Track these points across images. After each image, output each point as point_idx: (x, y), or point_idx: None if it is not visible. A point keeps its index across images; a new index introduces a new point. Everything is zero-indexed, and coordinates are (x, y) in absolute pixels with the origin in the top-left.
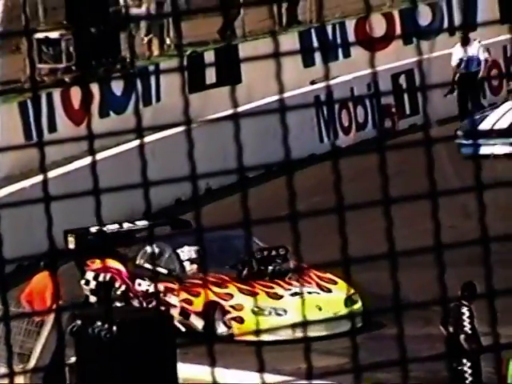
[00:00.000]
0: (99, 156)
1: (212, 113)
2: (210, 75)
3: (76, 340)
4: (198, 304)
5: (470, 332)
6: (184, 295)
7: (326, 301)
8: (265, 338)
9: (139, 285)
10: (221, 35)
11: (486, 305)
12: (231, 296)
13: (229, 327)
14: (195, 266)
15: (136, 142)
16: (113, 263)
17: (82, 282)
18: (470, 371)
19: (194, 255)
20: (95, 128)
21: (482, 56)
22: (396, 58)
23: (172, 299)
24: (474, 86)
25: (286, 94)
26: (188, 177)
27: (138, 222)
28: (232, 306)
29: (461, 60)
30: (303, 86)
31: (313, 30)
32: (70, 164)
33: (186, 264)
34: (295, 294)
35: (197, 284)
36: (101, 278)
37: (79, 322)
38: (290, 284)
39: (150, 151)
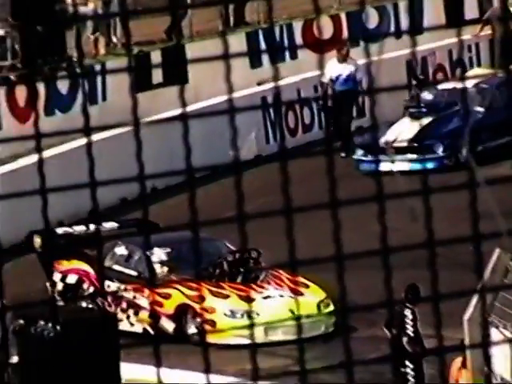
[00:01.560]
0: (45, 154)
1: (157, 113)
2: (157, 75)
3: (18, 339)
4: (169, 306)
5: (412, 335)
6: (154, 297)
7: (298, 305)
8: (237, 341)
9: (108, 286)
10: (168, 35)
11: (430, 307)
12: (203, 298)
13: (200, 330)
14: (166, 269)
15: (82, 141)
16: (80, 265)
17: (48, 283)
18: (412, 373)
19: (164, 257)
20: (40, 126)
21: (359, 75)
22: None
23: (142, 301)
24: (350, 104)
25: (233, 95)
26: (136, 177)
27: (105, 224)
28: (204, 309)
29: (337, 77)
30: (250, 86)
31: (260, 32)
32: (15, 162)
33: (157, 266)
34: (267, 297)
35: (167, 286)
36: (68, 280)
37: (22, 321)
38: (262, 287)
39: (96, 151)
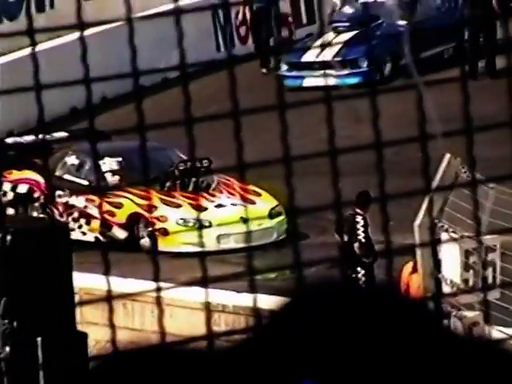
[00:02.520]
0: None
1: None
2: None
3: None
4: (121, 215)
5: (363, 240)
6: (106, 207)
7: (250, 213)
8: (189, 249)
9: (59, 196)
10: None
11: (379, 212)
12: (155, 207)
13: (152, 239)
14: (117, 178)
15: (29, 49)
16: (31, 174)
17: None
18: (363, 279)
19: (115, 166)
20: None
21: None
22: None
23: (93, 211)
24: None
25: (181, 2)
26: (82, 80)
27: (55, 134)
28: (156, 218)
29: None
30: None
31: None
32: None
33: (108, 175)
34: (219, 205)
35: (119, 195)
36: (19, 189)
37: None
38: (214, 196)
39: (44, 59)
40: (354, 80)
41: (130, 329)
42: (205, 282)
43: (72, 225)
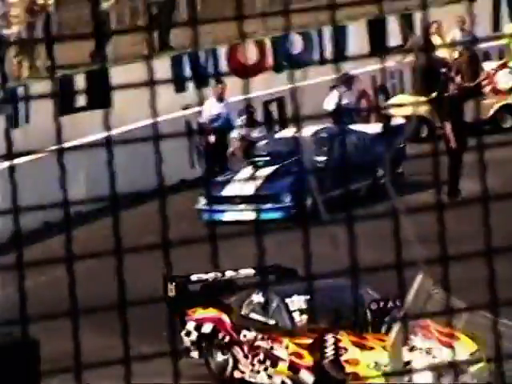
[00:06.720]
0: None
1: (81, 136)
2: (80, 98)
3: None
4: (309, 358)
5: (332, 358)
6: (293, 348)
7: (450, 358)
8: None
9: (244, 336)
10: (92, 58)
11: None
12: (345, 350)
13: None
14: (305, 317)
15: (5, 164)
16: (215, 313)
17: (183, 332)
18: None
19: (303, 305)
20: None
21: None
22: (267, 85)
23: (280, 352)
24: (224, 145)
25: (158, 120)
26: (58, 203)
27: (241, 271)
28: (346, 361)
29: (218, 115)
30: (174, 111)
31: (185, 56)
32: None
33: (295, 315)
34: (413, 348)
35: (308, 336)
36: (203, 329)
37: None
38: (408, 337)
39: (20, 173)
40: (275, 215)
41: None
42: None
43: (257, 367)
